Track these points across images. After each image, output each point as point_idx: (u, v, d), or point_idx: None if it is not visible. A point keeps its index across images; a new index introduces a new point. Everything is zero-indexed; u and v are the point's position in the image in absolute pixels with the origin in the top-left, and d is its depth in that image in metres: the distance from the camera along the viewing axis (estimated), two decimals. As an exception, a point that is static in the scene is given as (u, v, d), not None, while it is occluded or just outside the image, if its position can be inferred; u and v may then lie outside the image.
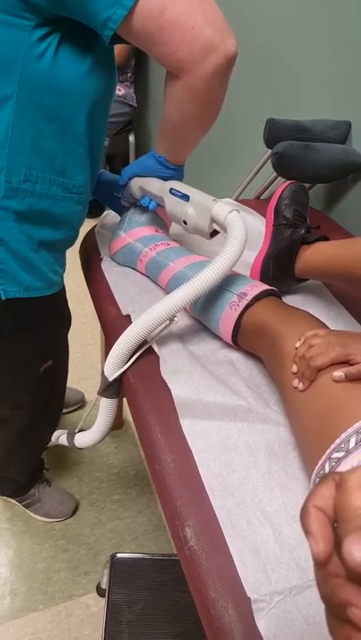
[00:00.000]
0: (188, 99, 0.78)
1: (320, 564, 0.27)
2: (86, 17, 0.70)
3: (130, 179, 1.03)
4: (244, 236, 0.83)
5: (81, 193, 0.90)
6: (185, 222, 0.95)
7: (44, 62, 0.73)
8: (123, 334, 0.85)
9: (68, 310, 1.12)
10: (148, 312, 0.83)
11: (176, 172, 0.97)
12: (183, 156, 0.95)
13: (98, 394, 0.94)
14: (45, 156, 0.81)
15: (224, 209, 0.87)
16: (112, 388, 0.92)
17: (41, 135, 0.78)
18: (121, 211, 1.14)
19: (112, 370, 0.88)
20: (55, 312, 1.04)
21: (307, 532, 0.28)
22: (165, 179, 0.97)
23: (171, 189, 0.95)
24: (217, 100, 0.81)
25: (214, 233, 0.94)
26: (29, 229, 0.84)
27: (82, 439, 1.07)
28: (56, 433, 1.20)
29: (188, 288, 0.81)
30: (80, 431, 1.09)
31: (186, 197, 0.93)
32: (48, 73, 0.74)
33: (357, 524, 0.25)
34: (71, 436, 1.10)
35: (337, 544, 0.26)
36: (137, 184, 1.01)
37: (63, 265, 0.98)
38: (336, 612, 0.27)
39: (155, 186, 0.98)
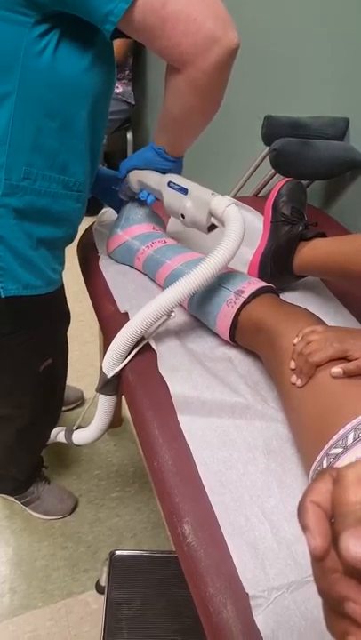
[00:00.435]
0: (189, 91, 0.78)
1: (317, 560, 0.27)
2: (87, 12, 0.70)
3: (128, 171, 1.03)
4: (241, 229, 0.83)
5: (81, 190, 0.90)
6: (183, 216, 0.95)
7: (44, 58, 0.73)
8: (121, 331, 0.85)
9: (67, 308, 1.12)
10: (145, 308, 0.82)
11: (175, 165, 0.97)
12: (183, 148, 0.95)
13: (96, 391, 0.94)
14: (46, 154, 0.81)
15: (222, 202, 0.86)
16: (110, 385, 0.92)
17: (41, 132, 0.78)
18: (118, 208, 1.14)
19: (110, 366, 0.88)
20: (54, 311, 1.04)
21: (304, 527, 0.28)
22: (164, 171, 0.97)
23: (169, 182, 0.94)
24: (218, 93, 0.81)
25: (212, 227, 0.93)
26: (29, 227, 0.84)
27: (80, 436, 1.07)
28: (54, 430, 1.20)
29: (184, 283, 0.81)
30: (78, 428, 1.09)
31: (184, 190, 0.92)
32: (49, 69, 0.74)
33: (355, 519, 0.25)
34: (69, 434, 1.10)
35: (334, 539, 0.26)
36: (135, 177, 1.01)
37: (62, 263, 0.98)
38: (334, 607, 0.27)
39: (153, 179, 0.97)
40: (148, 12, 0.69)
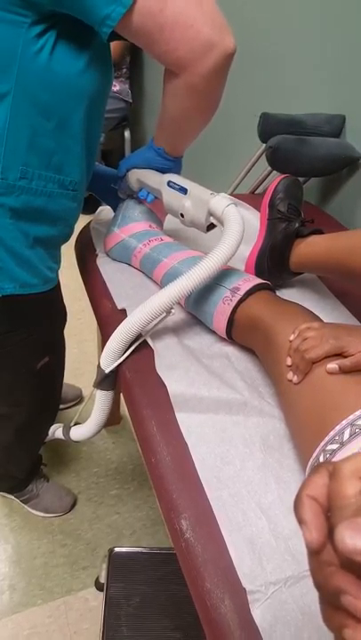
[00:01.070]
0: (187, 94, 0.78)
1: (314, 553, 0.28)
2: (84, 14, 0.70)
3: (128, 170, 1.03)
4: (240, 229, 0.83)
5: (77, 190, 0.90)
6: (182, 215, 0.95)
7: (41, 59, 0.73)
8: (119, 327, 0.85)
9: (64, 306, 1.12)
10: (145, 304, 0.83)
11: (175, 164, 0.97)
12: (182, 148, 0.95)
13: (93, 386, 0.94)
14: (42, 154, 0.81)
15: (221, 202, 0.87)
16: (108, 381, 0.92)
17: (37, 132, 0.78)
18: (116, 206, 1.14)
19: (108, 362, 0.88)
20: (51, 309, 1.04)
21: (300, 521, 0.28)
22: (164, 170, 0.97)
23: (168, 182, 0.95)
24: (216, 95, 0.82)
25: (211, 226, 0.94)
26: (25, 226, 0.84)
27: (77, 432, 1.08)
28: (52, 427, 1.21)
29: (183, 281, 0.81)
30: (76, 424, 1.09)
31: (183, 190, 0.93)
32: (45, 70, 0.74)
33: (351, 512, 0.26)
34: (67, 430, 1.11)
35: (330, 532, 0.27)
36: (135, 176, 1.01)
37: (58, 261, 0.98)
38: (330, 600, 0.27)
39: (152, 178, 0.98)
40: (146, 17, 0.69)
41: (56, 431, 1.18)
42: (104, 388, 0.94)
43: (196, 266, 0.81)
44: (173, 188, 0.94)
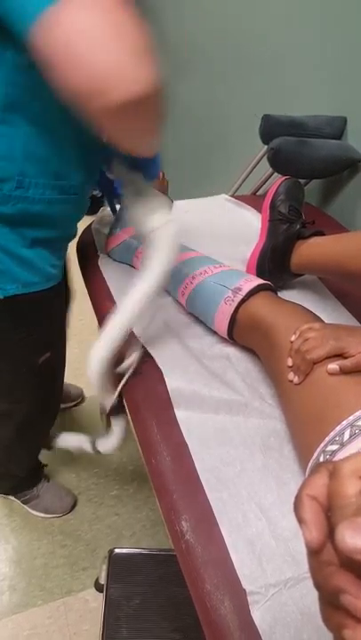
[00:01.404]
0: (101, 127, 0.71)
1: (313, 552, 0.27)
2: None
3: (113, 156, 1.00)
4: (168, 259, 0.81)
5: (78, 193, 0.89)
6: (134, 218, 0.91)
7: (29, 71, 0.71)
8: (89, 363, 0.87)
9: (69, 289, 1.10)
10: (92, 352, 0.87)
11: (149, 161, 0.92)
12: (145, 154, 0.87)
13: (106, 415, 0.95)
14: (38, 162, 0.79)
15: (159, 220, 0.82)
16: (115, 409, 0.93)
17: (31, 142, 0.76)
18: (114, 205, 1.13)
19: (105, 401, 0.90)
20: (53, 309, 1.04)
21: (300, 520, 0.28)
22: (138, 166, 0.92)
23: (130, 180, 0.91)
24: (139, 130, 0.71)
25: None
26: (22, 230, 0.83)
27: (105, 446, 1.07)
28: (77, 439, 1.19)
29: (110, 330, 0.84)
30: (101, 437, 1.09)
31: (139, 193, 0.88)
32: (35, 80, 0.72)
33: (351, 511, 0.26)
34: (93, 444, 1.10)
35: (330, 532, 0.27)
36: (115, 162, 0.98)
37: (61, 257, 0.96)
38: (329, 600, 0.27)
39: (122, 172, 0.93)
40: (41, 37, 0.59)
41: (84, 445, 1.16)
42: (115, 414, 0.95)
43: (120, 308, 0.82)
44: (131, 189, 0.90)
